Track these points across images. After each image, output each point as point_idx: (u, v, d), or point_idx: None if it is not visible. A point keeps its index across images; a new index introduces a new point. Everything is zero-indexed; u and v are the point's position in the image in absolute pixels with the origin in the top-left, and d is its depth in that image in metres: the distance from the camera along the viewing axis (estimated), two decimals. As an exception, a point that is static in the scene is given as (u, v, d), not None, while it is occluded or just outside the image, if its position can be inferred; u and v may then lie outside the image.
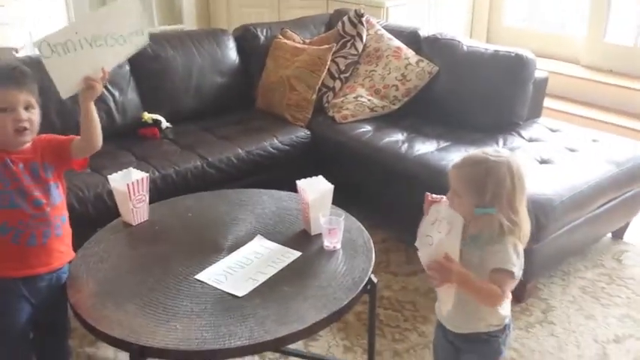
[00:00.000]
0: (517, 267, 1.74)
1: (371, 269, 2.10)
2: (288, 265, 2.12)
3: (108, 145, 3.23)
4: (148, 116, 3.56)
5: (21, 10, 4.82)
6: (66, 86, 1.96)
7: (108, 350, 2.61)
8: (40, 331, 2.15)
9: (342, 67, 3.94)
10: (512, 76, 3.52)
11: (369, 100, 3.78)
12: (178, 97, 3.77)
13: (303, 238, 2.29)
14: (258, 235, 2.29)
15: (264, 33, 4.12)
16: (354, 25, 4.02)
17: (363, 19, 4.04)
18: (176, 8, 6.05)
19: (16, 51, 4.55)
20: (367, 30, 4.05)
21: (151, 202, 2.45)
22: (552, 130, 3.56)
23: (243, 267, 2.10)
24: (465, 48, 3.74)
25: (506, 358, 2.55)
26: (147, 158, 3.23)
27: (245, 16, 5.43)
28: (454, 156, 3.00)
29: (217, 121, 3.77)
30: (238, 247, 2.22)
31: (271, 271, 2.07)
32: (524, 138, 3.46)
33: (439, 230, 1.76)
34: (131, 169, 2.48)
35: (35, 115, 1.96)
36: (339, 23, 4.08)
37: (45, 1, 5.06)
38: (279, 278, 2.05)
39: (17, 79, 1.92)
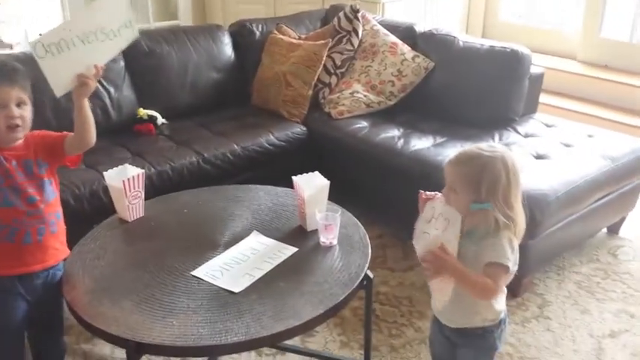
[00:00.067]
0: (512, 261, 1.75)
1: (367, 265, 2.10)
2: (285, 261, 2.12)
3: (103, 141, 3.25)
4: (143, 112, 3.55)
5: (17, 7, 4.81)
6: (60, 84, 1.96)
7: (105, 347, 2.61)
8: (35, 329, 2.15)
9: (338, 63, 3.94)
10: (508, 72, 3.52)
11: (365, 95, 3.78)
12: (174, 93, 3.76)
13: (299, 234, 2.29)
14: (255, 231, 2.29)
15: (260, 28, 4.12)
16: (350, 21, 4.01)
17: (359, 15, 4.03)
18: (171, 4, 6.04)
19: (11, 48, 4.55)
20: (363, 25, 4.04)
21: (146, 198, 2.45)
22: (548, 126, 3.56)
23: (240, 263, 2.10)
24: (460, 43, 3.74)
25: (502, 352, 2.56)
26: (142, 154, 3.22)
27: (241, 11, 5.42)
28: (450, 152, 2.98)
29: (213, 117, 3.77)
30: (234, 243, 2.22)
31: (267, 267, 2.07)
32: (519, 133, 3.47)
33: (436, 227, 1.77)
34: (127, 165, 2.48)
35: (27, 111, 1.95)
36: (335, 19, 4.07)
37: (41, -2, 5.06)
38: (276, 274, 2.05)
39: (9, 75, 1.92)
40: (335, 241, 2.21)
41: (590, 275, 3.14)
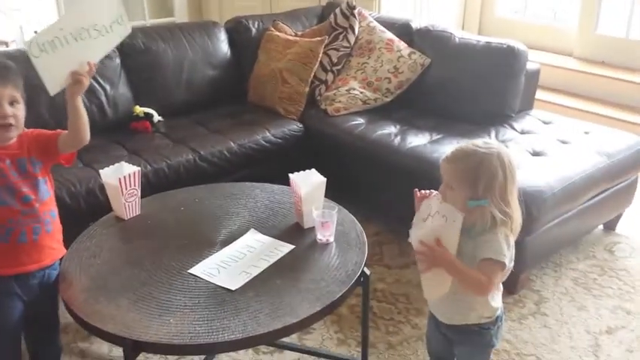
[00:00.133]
0: (508, 258, 1.75)
1: (364, 262, 2.10)
2: (281, 258, 2.12)
3: (99, 139, 3.25)
4: (139, 110, 3.55)
5: (12, 3, 4.80)
6: (54, 82, 1.95)
7: (102, 345, 2.61)
8: (31, 328, 2.14)
9: (335, 60, 3.93)
10: (504, 68, 3.52)
11: (361, 92, 3.78)
12: (170, 91, 3.76)
13: (296, 232, 2.29)
14: (252, 229, 2.29)
15: (256, 25, 4.11)
16: (346, 18, 4.01)
17: (355, 12, 4.03)
18: (167, 1, 6.02)
19: (7, 45, 4.53)
20: (359, 22, 4.04)
21: (143, 196, 2.44)
22: (544, 122, 3.56)
23: (237, 261, 2.10)
24: (456, 40, 3.73)
25: (499, 349, 2.57)
26: (139, 152, 3.22)
27: (237, 8, 5.40)
28: (447, 148, 2.96)
29: (209, 115, 3.77)
30: (231, 241, 2.21)
31: (264, 265, 2.07)
32: (516, 130, 3.47)
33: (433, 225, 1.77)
34: (123, 163, 2.47)
35: (20, 110, 1.94)
36: (331, 15, 4.07)
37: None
38: (273, 272, 2.04)
39: (1, 74, 1.90)
40: (332, 239, 2.20)
41: (587, 272, 3.15)
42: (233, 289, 1.95)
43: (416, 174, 3.07)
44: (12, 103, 1.91)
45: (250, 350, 2.59)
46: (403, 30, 4.01)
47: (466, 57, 3.65)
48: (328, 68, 3.91)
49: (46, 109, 3.09)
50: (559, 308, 2.88)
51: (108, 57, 3.52)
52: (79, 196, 2.85)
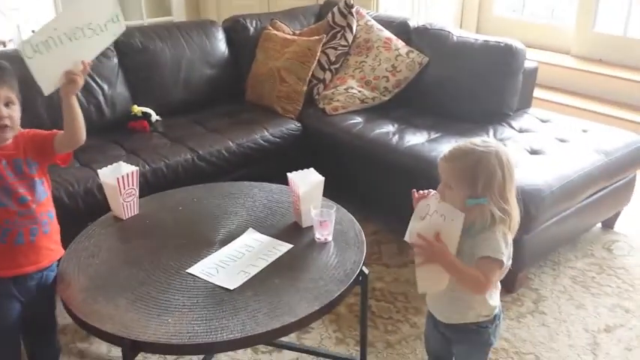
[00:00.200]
0: (506, 256, 1.75)
1: (362, 261, 2.10)
2: (280, 257, 2.12)
3: (97, 138, 3.25)
4: (137, 109, 3.54)
5: (10, 2, 4.79)
6: (48, 82, 1.93)
7: (101, 345, 2.61)
8: (28, 329, 2.14)
9: (333, 59, 3.93)
10: (502, 67, 3.52)
11: (359, 91, 3.77)
12: (168, 90, 3.75)
13: (294, 231, 2.29)
14: (250, 228, 2.29)
15: (254, 24, 4.11)
16: (344, 16, 4.01)
17: (353, 10, 4.03)
18: (165, 0, 6.01)
19: (4, 44, 4.53)
20: (357, 21, 4.04)
21: (141, 195, 2.44)
22: (542, 121, 3.56)
23: (235, 260, 2.10)
24: (454, 38, 3.73)
25: (497, 348, 2.57)
26: (137, 152, 3.21)
27: (234, 7, 5.40)
28: (445, 147, 2.97)
29: (207, 114, 3.77)
30: (229, 241, 2.21)
31: (263, 264, 2.07)
32: (514, 128, 3.47)
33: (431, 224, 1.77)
34: (121, 162, 2.47)
35: (16, 111, 1.93)
36: (329, 14, 4.07)
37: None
38: (271, 271, 2.04)
39: None
40: (330, 238, 2.20)
41: (585, 270, 3.15)
42: (231, 288, 1.95)
43: (414, 173, 3.07)
44: (7, 104, 1.90)
45: (249, 350, 2.59)
46: (401, 29, 4.01)
47: (464, 56, 3.65)
48: (326, 67, 3.91)
49: (43, 109, 3.09)
50: (557, 307, 2.88)
51: (105, 56, 3.52)
52: (77, 195, 2.84)
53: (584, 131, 3.39)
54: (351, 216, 2.37)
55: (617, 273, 3.13)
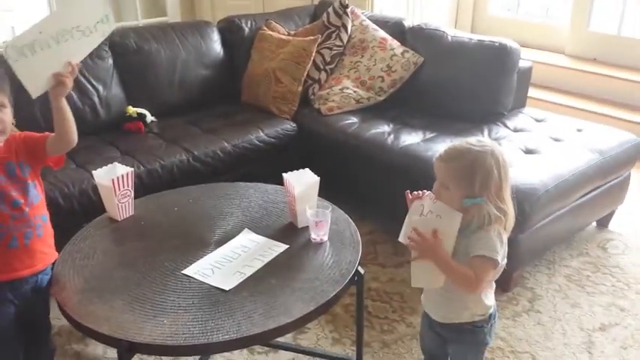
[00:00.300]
0: (500, 255, 1.76)
1: (358, 261, 2.10)
2: (275, 258, 2.12)
3: (92, 139, 3.25)
4: (132, 110, 3.54)
5: (4, 4, 4.78)
6: (36, 85, 1.91)
7: (97, 347, 2.61)
8: (22, 331, 2.13)
9: (328, 59, 3.93)
10: (497, 66, 3.53)
11: (354, 91, 3.78)
12: (163, 91, 3.75)
13: (290, 231, 2.29)
14: (246, 229, 2.29)
15: (249, 25, 4.11)
16: (339, 16, 4.01)
17: (348, 10, 4.03)
18: (160, 1, 6.00)
19: (-2, 46, 4.51)
20: (352, 21, 4.04)
21: (136, 197, 2.44)
22: (537, 120, 3.57)
23: (231, 261, 2.10)
24: (449, 38, 3.74)
25: (493, 347, 2.57)
26: (132, 153, 3.21)
27: (229, 7, 5.39)
28: (440, 147, 2.96)
29: (202, 115, 3.76)
30: (225, 241, 2.21)
31: (258, 265, 2.07)
32: (509, 128, 3.48)
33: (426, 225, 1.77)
34: (116, 163, 2.46)
35: (7, 114, 1.92)
36: (324, 14, 4.07)
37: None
38: (267, 271, 2.04)
39: None
40: (326, 238, 2.21)
41: (580, 269, 3.16)
42: (227, 289, 1.95)
43: (410, 172, 3.07)
44: None
45: (245, 350, 2.59)
46: (396, 28, 4.02)
47: (459, 55, 3.65)
48: (321, 67, 3.91)
49: (37, 109, 3.08)
50: (553, 305, 2.88)
51: (100, 57, 3.52)
52: (72, 197, 2.84)
53: (579, 130, 3.40)
54: (347, 216, 2.37)
55: (612, 272, 3.14)
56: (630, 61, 5.11)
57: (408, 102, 3.78)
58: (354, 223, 2.32)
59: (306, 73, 3.82)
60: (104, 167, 2.41)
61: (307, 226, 2.23)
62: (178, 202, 2.52)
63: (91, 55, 3.38)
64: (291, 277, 2.02)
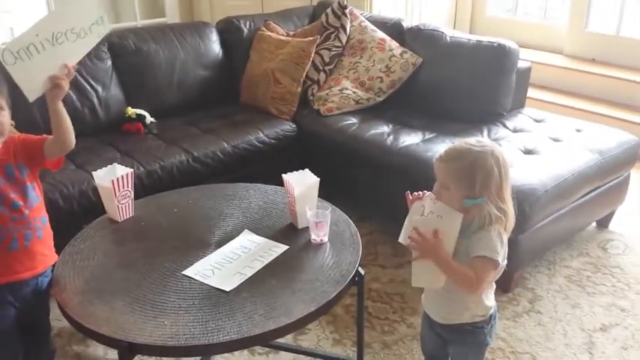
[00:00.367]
0: (501, 256, 1.75)
1: (358, 262, 2.09)
2: (276, 259, 2.11)
3: (92, 141, 3.25)
4: (131, 111, 3.54)
5: (2, 5, 4.77)
6: (32, 89, 1.91)
7: (98, 348, 2.60)
8: (22, 332, 2.12)
9: (327, 60, 3.93)
10: (496, 67, 3.53)
11: (354, 92, 3.78)
12: (162, 92, 3.75)
13: (290, 232, 2.29)
14: (246, 230, 2.28)
15: (248, 25, 4.11)
16: (338, 17, 4.01)
17: (347, 11, 4.03)
18: (159, 2, 6.00)
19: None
20: (351, 21, 4.04)
21: (136, 198, 2.43)
22: (536, 121, 3.57)
23: (231, 262, 2.09)
24: (448, 39, 3.74)
25: (494, 348, 2.57)
26: (131, 154, 3.20)
27: (228, 8, 5.39)
28: (439, 147, 2.99)
29: (201, 115, 3.76)
30: (225, 242, 2.21)
31: (259, 266, 2.07)
32: (508, 128, 3.48)
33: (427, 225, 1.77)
34: (115, 165, 2.46)
35: (5, 117, 1.91)
36: (323, 15, 4.07)
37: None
38: (267, 272, 2.04)
39: None
40: (326, 239, 2.20)
41: (581, 269, 3.16)
42: (228, 290, 1.95)
43: (409, 173, 3.07)
44: None
45: (245, 351, 2.59)
46: (395, 29, 4.02)
47: (457, 56, 3.65)
48: (320, 68, 3.91)
49: (37, 111, 3.07)
50: (553, 306, 2.88)
51: (99, 58, 3.52)
52: (72, 198, 2.84)
53: (578, 131, 3.40)
54: (347, 217, 2.37)
55: (613, 272, 3.14)
56: (629, 61, 5.11)
57: (407, 103, 3.78)
58: (354, 224, 2.32)
59: (305, 73, 3.81)
60: (104, 168, 2.41)
61: (307, 227, 2.23)
62: (178, 203, 2.52)
63: (89, 56, 3.41)
64: (291, 277, 2.02)
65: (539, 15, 5.99)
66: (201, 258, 2.12)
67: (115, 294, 1.94)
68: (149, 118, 3.56)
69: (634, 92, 4.83)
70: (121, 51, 3.63)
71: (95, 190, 2.55)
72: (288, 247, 2.18)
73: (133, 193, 2.38)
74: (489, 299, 1.89)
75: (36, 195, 2.01)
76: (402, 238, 1.81)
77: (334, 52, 3.95)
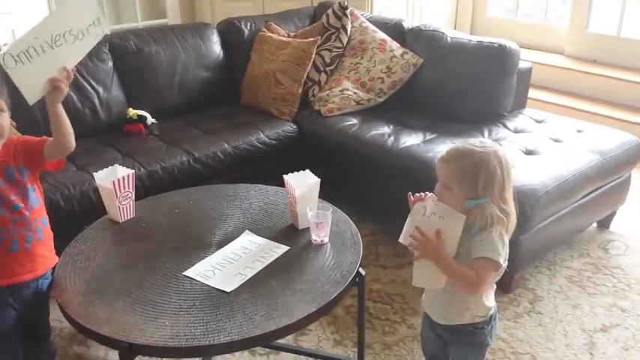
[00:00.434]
0: (502, 257, 1.75)
1: (359, 262, 2.10)
2: (276, 259, 2.12)
3: (93, 142, 3.25)
4: (133, 112, 3.54)
5: (3, 6, 4.77)
6: (32, 92, 1.91)
7: (98, 349, 2.60)
8: (22, 334, 2.12)
9: (328, 60, 3.93)
10: (497, 67, 3.53)
11: (354, 93, 3.78)
12: (163, 93, 3.75)
13: (290, 233, 2.29)
14: (246, 231, 2.29)
15: (249, 26, 4.11)
16: (339, 18, 4.01)
17: (348, 12, 4.04)
18: (159, 3, 6.01)
19: (-1, 49, 4.51)
20: (352, 22, 4.04)
21: (137, 198, 2.44)
22: (537, 121, 3.57)
23: (232, 262, 2.10)
24: (448, 39, 3.74)
25: (494, 348, 2.57)
26: (132, 155, 3.21)
27: (229, 9, 5.40)
28: (440, 148, 3.00)
29: (203, 117, 3.77)
30: (226, 243, 2.21)
31: (259, 266, 2.07)
32: (509, 129, 3.48)
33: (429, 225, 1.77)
34: (117, 165, 2.46)
35: (5, 119, 1.91)
36: (324, 16, 4.07)
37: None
38: (268, 273, 2.04)
39: None
40: (326, 239, 2.21)
41: (581, 270, 3.16)
42: (228, 290, 1.95)
43: (410, 174, 3.07)
44: None
45: (246, 352, 2.59)
46: (395, 30, 4.02)
47: (458, 57, 3.65)
48: (321, 69, 3.91)
49: (38, 112, 3.07)
50: (554, 306, 2.88)
51: (100, 60, 3.52)
52: (73, 199, 2.84)
53: (579, 131, 3.40)
54: (348, 217, 2.37)
55: (613, 272, 3.14)
56: (630, 61, 5.11)
57: (407, 103, 3.78)
58: (354, 225, 2.32)
59: (306, 74, 3.82)
60: (105, 169, 2.42)
61: (308, 228, 2.23)
62: (179, 203, 2.52)
63: (91, 57, 3.41)
64: (292, 278, 2.02)
65: (540, 15, 5.99)
66: (202, 259, 2.12)
67: (115, 295, 1.94)
68: (150, 119, 3.57)
69: (635, 93, 4.83)
70: (122, 52, 3.63)
71: (96, 191, 2.55)
72: (288, 247, 2.18)
73: (134, 194, 2.38)
74: (490, 300, 1.89)
75: (36, 197, 2.01)
76: (402, 238, 1.81)
77: (335, 53, 3.96)
